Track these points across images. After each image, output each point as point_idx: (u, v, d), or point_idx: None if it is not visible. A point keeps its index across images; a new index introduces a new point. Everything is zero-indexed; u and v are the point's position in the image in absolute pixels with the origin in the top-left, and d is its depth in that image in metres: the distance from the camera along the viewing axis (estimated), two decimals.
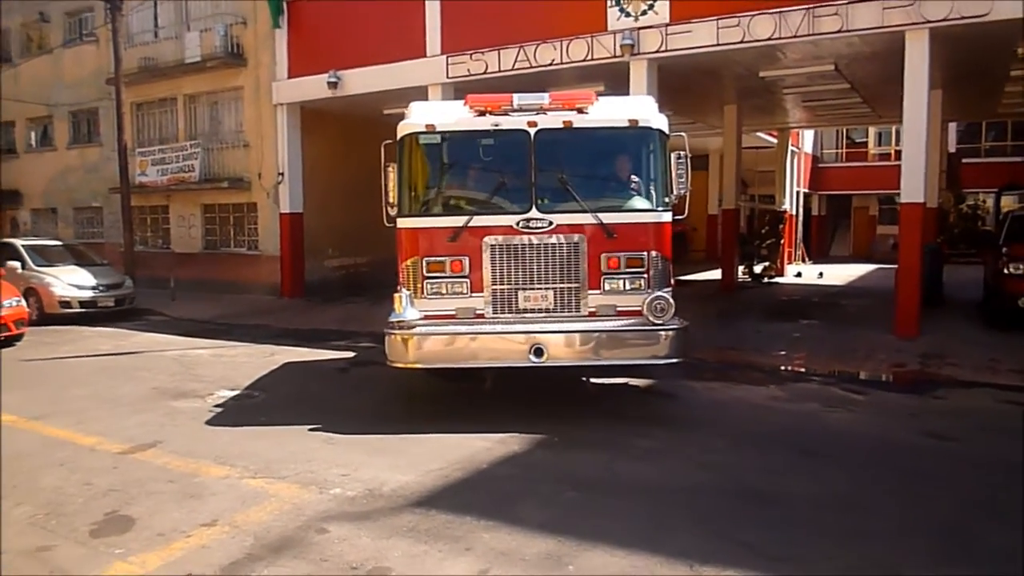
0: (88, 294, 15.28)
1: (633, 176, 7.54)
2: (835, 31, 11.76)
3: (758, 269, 21.62)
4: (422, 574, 4.16)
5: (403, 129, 7.52)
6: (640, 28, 13.08)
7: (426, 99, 15.37)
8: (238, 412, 7.82)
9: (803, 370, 9.70)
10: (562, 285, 7.16)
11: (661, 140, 7.42)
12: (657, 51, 13.03)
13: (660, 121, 7.47)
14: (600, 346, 7.05)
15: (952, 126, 27.07)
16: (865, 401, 8.13)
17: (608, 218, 7.10)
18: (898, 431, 6.96)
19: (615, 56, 13.34)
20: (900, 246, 11.92)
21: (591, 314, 7.17)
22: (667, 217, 7.34)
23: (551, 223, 7.11)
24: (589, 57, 13.63)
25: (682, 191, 7.38)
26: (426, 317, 7.21)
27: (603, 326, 7.06)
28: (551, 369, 7.44)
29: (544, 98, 7.33)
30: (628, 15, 13.22)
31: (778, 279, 21.86)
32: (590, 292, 7.16)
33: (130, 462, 6.15)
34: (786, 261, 24.20)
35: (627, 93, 13.51)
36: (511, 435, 6.61)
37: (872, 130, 35.45)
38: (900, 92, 11.62)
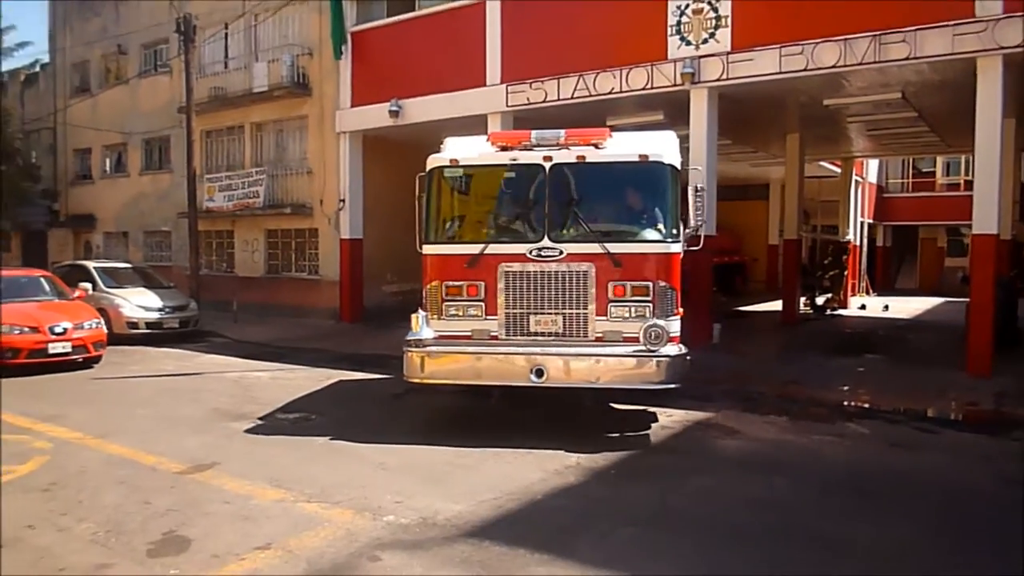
0: (155, 315, 15.72)
1: (643, 208, 7.95)
2: (903, 58, 11.47)
3: (820, 301, 21.08)
4: None
5: (431, 163, 8.16)
6: (701, 56, 12.98)
7: (486, 127, 15.54)
8: (294, 435, 7.88)
9: (868, 407, 9.33)
10: (570, 311, 7.59)
11: (672, 174, 7.79)
12: (718, 79, 12.89)
13: (672, 156, 7.83)
14: (596, 370, 7.42)
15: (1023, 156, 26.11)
16: (935, 441, 7.79)
17: (616, 248, 7.51)
18: (971, 474, 6.64)
19: (675, 85, 13.25)
20: (972, 279, 11.46)
21: (598, 339, 7.52)
22: (676, 248, 7.70)
23: (562, 252, 7.57)
24: (649, 86, 13.56)
25: (698, 223, 7.89)
26: (445, 337, 7.79)
27: (599, 351, 7.43)
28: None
29: (560, 134, 7.83)
30: (689, 43, 13.14)
31: (841, 311, 21.31)
32: (597, 319, 7.53)
33: (188, 482, 6.24)
34: (849, 293, 23.59)
35: (687, 122, 13.43)
36: (567, 467, 6.50)
37: (940, 160, 34.49)
38: (970, 121, 11.26)
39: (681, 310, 7.76)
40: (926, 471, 6.72)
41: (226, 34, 21.30)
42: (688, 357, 7.63)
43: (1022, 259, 24.54)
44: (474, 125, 16.06)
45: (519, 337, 7.67)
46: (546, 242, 7.60)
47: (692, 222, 7.90)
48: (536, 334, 7.65)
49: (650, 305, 7.45)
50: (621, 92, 13.90)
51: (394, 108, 16.73)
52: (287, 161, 20.34)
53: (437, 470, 6.51)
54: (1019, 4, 10.48)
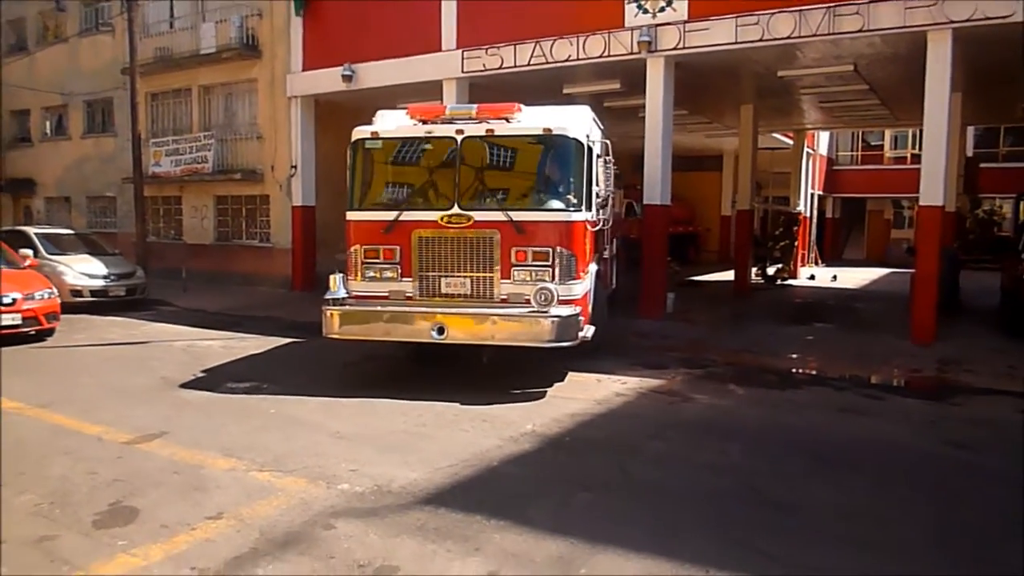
0: (99, 283, 15.27)
1: (547, 179, 8.50)
2: (856, 30, 11.56)
3: (771, 271, 21.47)
4: (430, 574, 4.07)
5: (354, 135, 8.79)
6: (658, 25, 12.92)
7: (441, 94, 15.33)
8: (248, 404, 7.75)
9: (818, 374, 9.55)
10: (478, 274, 8.16)
11: (576, 147, 8.31)
12: (674, 48, 12.86)
13: (577, 130, 8.37)
14: (491, 329, 7.85)
15: (970, 130, 26.74)
16: (882, 407, 7.98)
17: (520, 216, 8.01)
18: (917, 439, 6.81)
19: (632, 53, 13.19)
20: (917, 250, 11.73)
21: (502, 301, 8.07)
22: (578, 217, 8.19)
23: (470, 219, 8.10)
24: (606, 54, 13.48)
25: (607, 193, 8.72)
26: (364, 297, 8.46)
27: (494, 311, 7.92)
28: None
29: (472, 108, 8.48)
30: (646, 12, 13.07)
31: (791, 281, 21.71)
32: (502, 281, 8.09)
33: (136, 452, 6.08)
34: (799, 263, 24.00)
35: (644, 91, 13.42)
36: (523, 434, 6.52)
37: (888, 133, 35.17)
38: (919, 95, 11.44)
39: (582, 274, 8.31)
40: (874, 436, 6.88)
41: None
42: (581, 318, 8.08)
43: (965, 230, 25.28)
44: (430, 91, 15.83)
45: (432, 298, 8.26)
46: (456, 209, 8.12)
47: (602, 192, 8.61)
48: (447, 295, 8.23)
49: (550, 269, 7.96)
50: (578, 60, 13.80)
51: (347, 73, 16.37)
52: (236, 126, 19.84)
53: (393, 439, 6.46)
54: None
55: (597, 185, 8.69)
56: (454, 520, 4.71)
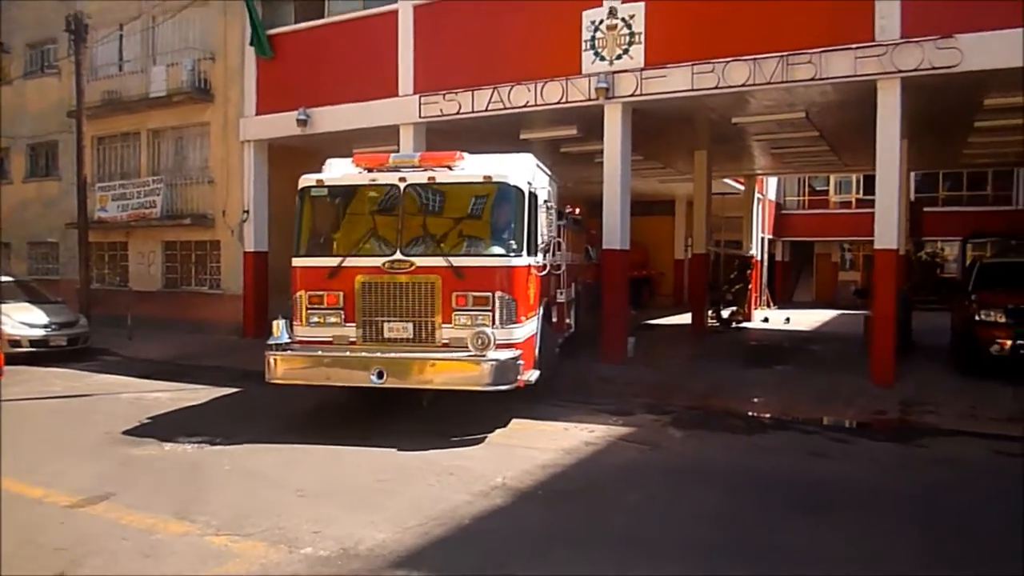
0: (39, 332, 14.63)
1: (488, 225, 8.66)
2: (808, 79, 11.79)
3: (726, 314, 21.57)
4: None
5: (300, 183, 9.03)
6: (615, 72, 13.03)
7: (398, 138, 15.22)
8: (200, 460, 7.34)
9: (784, 418, 9.49)
10: (420, 319, 8.24)
11: (517, 194, 8.47)
12: (632, 95, 12.97)
13: (518, 177, 8.53)
14: (429, 372, 7.94)
15: (911, 175, 27.64)
16: (850, 450, 7.96)
17: (460, 262, 8.16)
18: (889, 480, 6.76)
19: (590, 99, 13.26)
20: (875, 292, 11.88)
21: (444, 345, 8.15)
22: (518, 262, 8.36)
23: (412, 264, 8.24)
24: (564, 100, 13.54)
25: (547, 238, 9.02)
26: (308, 343, 8.55)
27: (432, 355, 8.00)
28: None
29: (415, 156, 8.83)
30: (603, 59, 13.19)
31: (746, 324, 21.87)
32: (444, 326, 8.18)
33: (80, 516, 5.67)
34: (753, 306, 24.26)
35: (601, 136, 13.51)
36: (493, 488, 6.27)
37: (833, 179, 36.15)
38: (867, 141, 11.73)
39: (524, 318, 8.44)
40: (847, 478, 6.80)
41: (121, 35, 20.18)
42: (521, 362, 8.14)
43: (912, 272, 25.93)
44: (386, 136, 15.72)
45: (374, 343, 8.33)
46: (398, 255, 8.28)
47: (543, 237, 8.86)
48: (390, 340, 8.30)
49: (490, 314, 8.06)
50: (536, 105, 13.83)
51: (302, 117, 16.17)
52: (187, 170, 19.40)
53: (358, 494, 6.15)
54: (915, 29, 10.97)
55: (542, 230, 8.87)
56: None
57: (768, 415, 9.65)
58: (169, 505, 5.86)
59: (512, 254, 8.31)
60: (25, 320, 14.56)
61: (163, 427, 8.74)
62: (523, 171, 8.80)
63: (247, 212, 17.65)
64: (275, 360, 8.31)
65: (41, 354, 14.32)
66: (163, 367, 13.79)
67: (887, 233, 11.60)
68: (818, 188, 37.52)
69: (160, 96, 18.62)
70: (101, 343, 16.08)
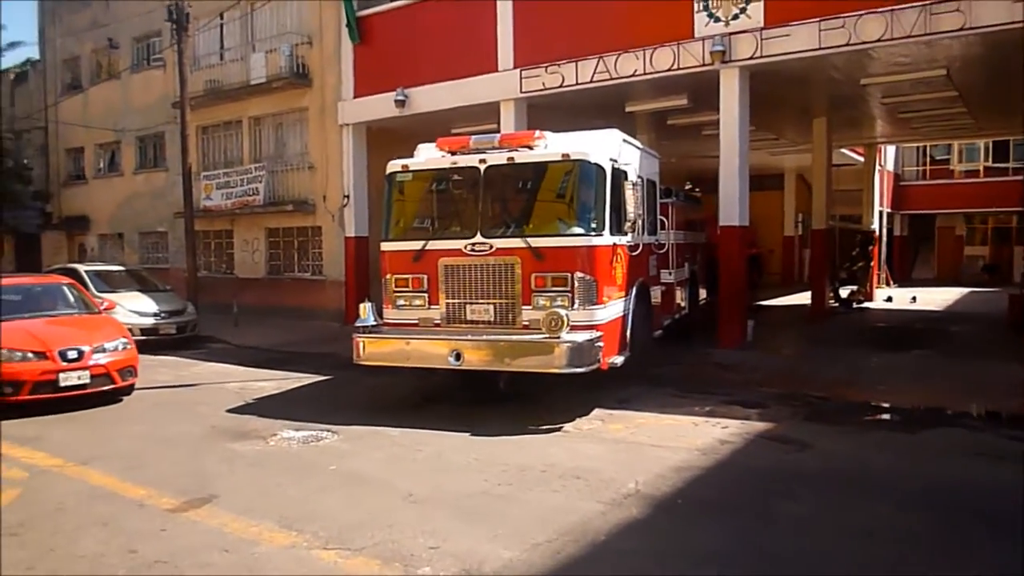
0: (150, 321, 14.79)
1: (568, 204, 8.49)
2: (955, 29, 10.52)
3: (845, 293, 20.13)
4: None
5: (387, 169, 9.18)
6: (732, 33, 12.01)
7: (498, 116, 14.61)
8: (305, 458, 6.94)
9: (940, 410, 8.38)
10: (500, 301, 8.20)
11: (598, 171, 8.26)
12: (751, 58, 11.94)
13: (599, 155, 8.30)
14: (504, 354, 7.83)
15: None
16: None
17: (539, 242, 8.03)
18: None
19: (704, 65, 12.29)
20: None
21: (524, 327, 8.05)
22: (599, 241, 8.15)
23: (492, 246, 8.18)
24: (675, 67, 12.61)
25: (633, 217, 8.58)
26: (396, 325, 8.74)
27: (508, 337, 7.92)
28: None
29: (495, 137, 8.75)
30: (718, 20, 12.18)
31: (868, 304, 20.35)
32: (524, 308, 8.09)
33: (182, 523, 5.28)
34: (874, 285, 22.62)
35: (712, 106, 12.58)
36: (626, 495, 5.56)
37: (956, 146, 33.48)
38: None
39: (608, 299, 8.28)
40: None
41: (221, 24, 20.34)
42: (600, 344, 7.90)
43: None
44: (486, 114, 15.15)
45: (457, 325, 8.37)
46: (478, 238, 8.23)
47: (631, 216, 8.54)
48: (472, 322, 8.32)
49: (568, 295, 7.88)
50: (644, 74, 12.96)
51: (400, 97, 15.77)
52: (287, 156, 19.39)
53: (474, 502, 5.56)
54: None
55: (631, 208, 8.54)
56: None
57: (920, 407, 8.55)
58: (273, 510, 5.41)
59: (592, 233, 8.10)
60: (136, 308, 14.74)
61: (267, 419, 8.42)
62: (606, 147, 8.59)
63: (347, 197, 17.44)
64: (362, 343, 8.47)
65: (151, 342, 14.44)
66: (268, 355, 13.68)
67: None
68: (938, 157, 34.89)
69: (260, 83, 18.64)
70: (208, 330, 16.19)
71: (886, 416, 8.28)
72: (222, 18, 20.09)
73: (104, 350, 9.45)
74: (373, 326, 8.61)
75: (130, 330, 14.13)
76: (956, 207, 33.10)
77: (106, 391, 9.38)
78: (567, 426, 7.79)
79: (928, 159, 34.83)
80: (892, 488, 5.74)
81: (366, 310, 8.62)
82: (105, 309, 11.28)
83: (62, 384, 8.91)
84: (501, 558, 4.50)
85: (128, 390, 9.85)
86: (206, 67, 20.63)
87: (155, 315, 14.93)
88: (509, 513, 5.28)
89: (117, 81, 23.31)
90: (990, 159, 32.54)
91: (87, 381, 9.12)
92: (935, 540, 4.78)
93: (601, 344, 7.95)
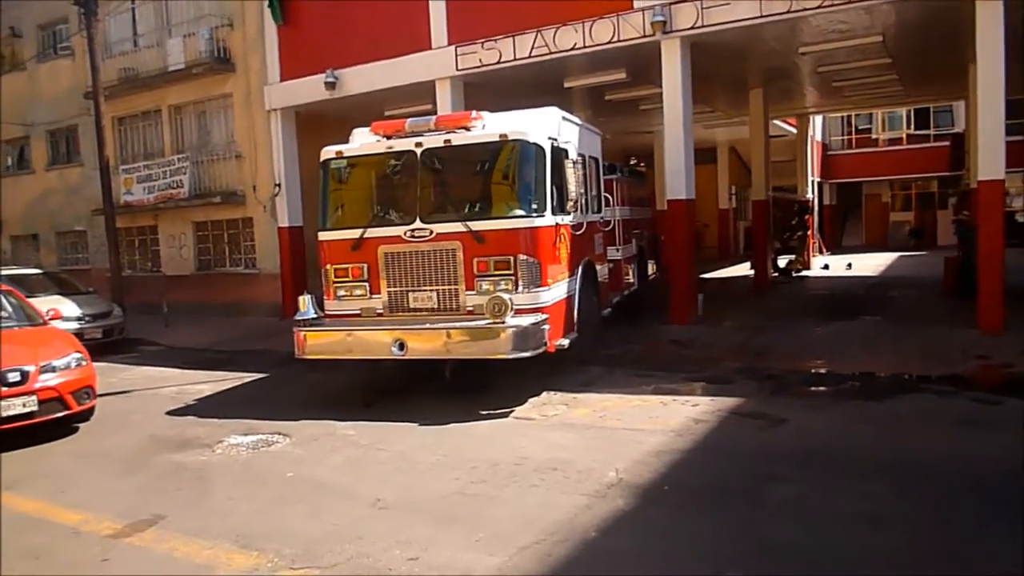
0: (73, 326, 13.76)
1: (507, 185, 8.29)
2: None
3: (783, 263, 20.33)
4: None
5: (321, 155, 8.95)
6: (672, 3, 11.77)
7: (434, 95, 14.11)
8: (257, 466, 6.44)
9: (904, 377, 8.34)
10: (443, 287, 8.04)
11: (537, 151, 8.06)
12: (692, 27, 11.71)
13: (538, 134, 8.10)
14: (448, 342, 7.60)
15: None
16: (1003, 414, 6.79)
17: (479, 225, 7.85)
18: None
19: (645, 36, 12.02)
20: (981, 230, 10.61)
21: (469, 313, 7.87)
22: (541, 222, 7.99)
23: (431, 232, 7.99)
24: (615, 39, 12.30)
25: (575, 196, 8.37)
26: (337, 316, 8.48)
27: (450, 324, 7.70)
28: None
29: (431, 120, 8.48)
30: None
31: (806, 273, 20.60)
32: (468, 293, 7.92)
33: (125, 550, 4.74)
34: (811, 254, 22.94)
35: (651, 80, 12.39)
36: (609, 486, 5.26)
37: (879, 115, 34.28)
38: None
39: (552, 281, 8.10)
40: None
41: (133, 8, 19.17)
42: (546, 327, 7.77)
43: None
44: (421, 94, 14.63)
45: (400, 314, 8.19)
46: (418, 223, 8.04)
47: (572, 195, 8.31)
48: (415, 310, 8.15)
49: (512, 278, 7.75)
50: (584, 48, 12.62)
51: (330, 80, 15.08)
52: (212, 146, 18.43)
53: (448, 503, 5.17)
54: None
55: (572, 187, 8.34)
56: None
57: (883, 375, 8.49)
58: (228, 529, 4.92)
59: (534, 214, 7.94)
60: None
61: (210, 425, 7.87)
62: (545, 126, 8.43)
63: (278, 186, 16.70)
64: (304, 336, 8.20)
65: None
66: (203, 355, 12.99)
67: (992, 162, 10.40)
68: (861, 127, 35.69)
69: (178, 69, 17.63)
70: (137, 333, 15.33)
71: (852, 385, 8.16)
72: (134, 1, 18.96)
73: (54, 369, 7.69)
74: (314, 319, 8.37)
75: None
76: (881, 174, 33.91)
77: (60, 418, 7.69)
78: (533, 414, 7.48)
79: (853, 128, 35.60)
80: (878, 465, 5.51)
81: (306, 303, 8.40)
82: (51, 319, 9.57)
83: (4, 415, 7.16)
84: (487, 566, 4.14)
85: (87, 415, 8.20)
86: (119, 54, 19.44)
87: (78, 319, 13.98)
88: (488, 514, 4.92)
89: (23, 72, 21.85)
90: (912, 127, 33.41)
91: (34, 408, 7.38)
92: (935, 522, 4.57)
93: (547, 327, 7.84)
